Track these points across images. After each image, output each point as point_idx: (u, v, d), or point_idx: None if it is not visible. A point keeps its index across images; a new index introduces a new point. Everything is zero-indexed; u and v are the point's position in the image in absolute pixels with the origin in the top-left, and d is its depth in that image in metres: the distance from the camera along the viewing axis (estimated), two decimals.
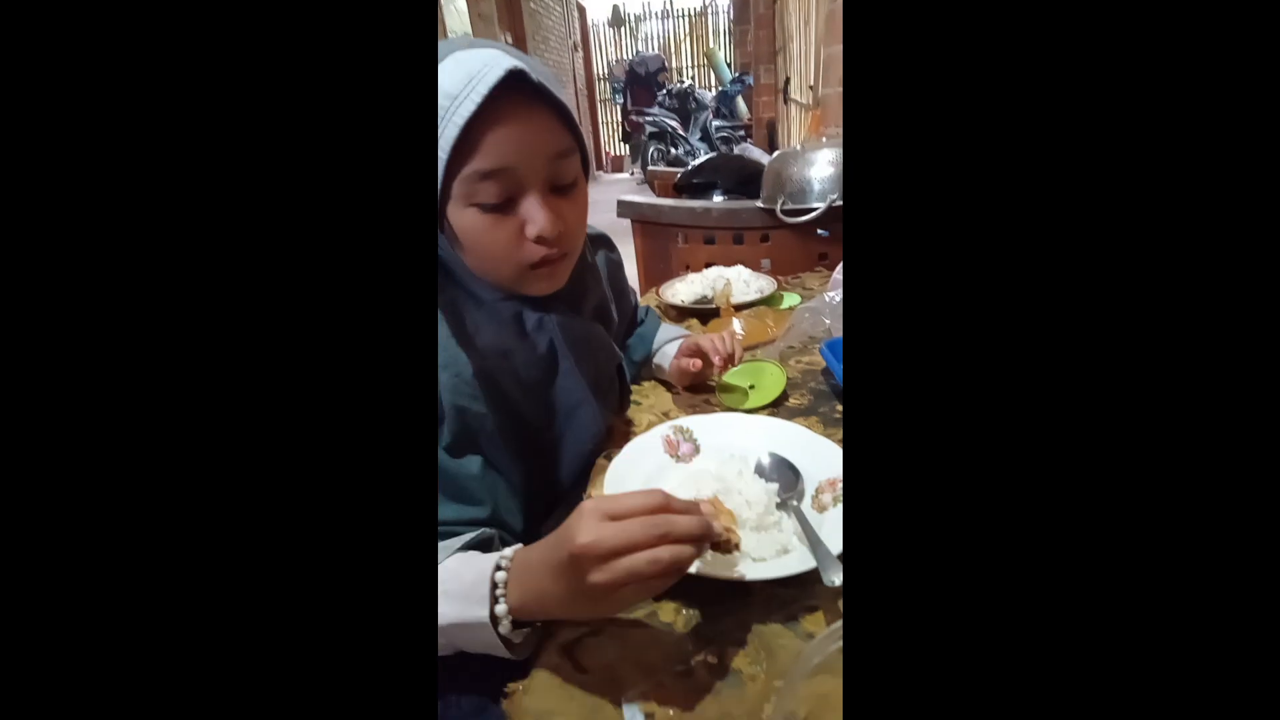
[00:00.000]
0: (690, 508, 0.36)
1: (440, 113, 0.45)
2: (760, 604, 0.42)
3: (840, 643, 0.27)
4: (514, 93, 0.46)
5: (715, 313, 0.96)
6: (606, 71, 8.05)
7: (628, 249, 1.03)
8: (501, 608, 0.37)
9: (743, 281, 1.03)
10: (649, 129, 5.89)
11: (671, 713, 0.35)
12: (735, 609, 0.42)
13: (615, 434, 0.66)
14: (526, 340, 0.56)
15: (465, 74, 0.45)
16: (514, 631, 0.38)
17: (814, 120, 2.48)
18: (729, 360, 0.70)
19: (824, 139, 1.29)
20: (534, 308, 0.56)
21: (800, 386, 0.74)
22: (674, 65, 7.92)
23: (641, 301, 0.86)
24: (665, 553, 0.33)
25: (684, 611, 0.42)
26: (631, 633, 0.41)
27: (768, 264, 1.20)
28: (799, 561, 0.42)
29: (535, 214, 0.49)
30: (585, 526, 0.34)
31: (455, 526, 0.46)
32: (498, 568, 0.39)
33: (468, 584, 0.39)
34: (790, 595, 0.42)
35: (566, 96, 0.50)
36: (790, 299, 1.03)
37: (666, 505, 0.35)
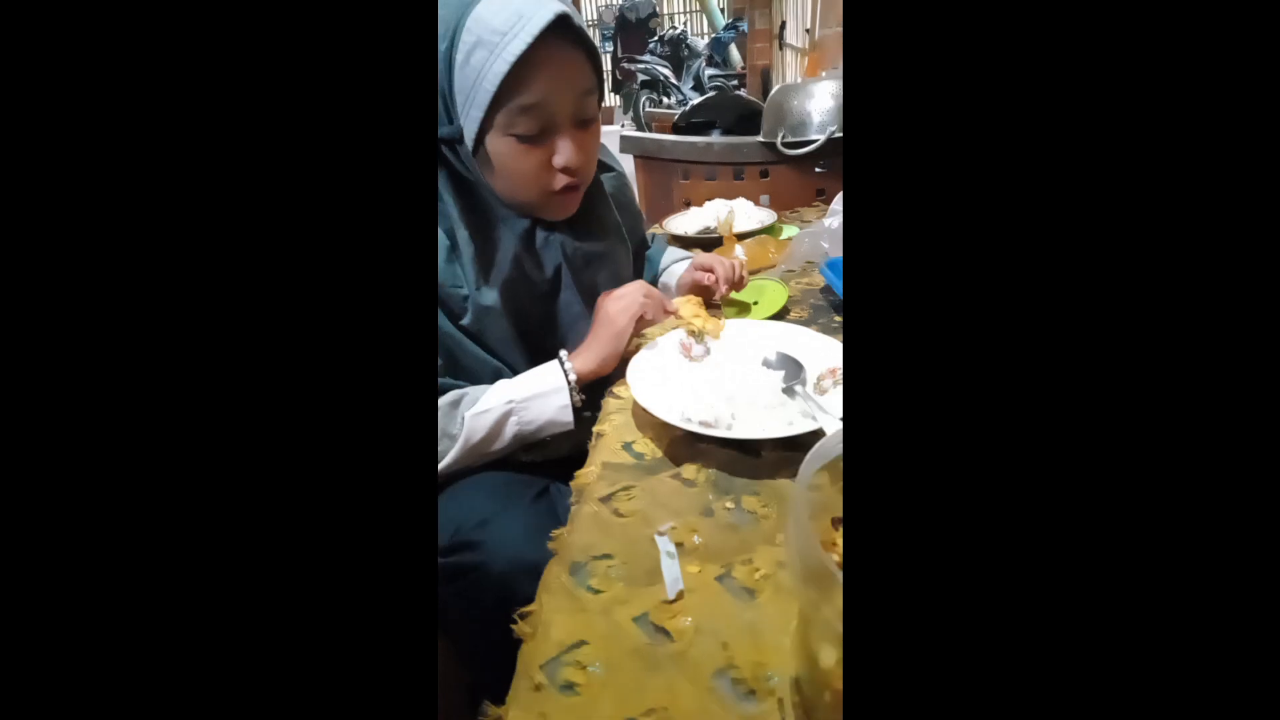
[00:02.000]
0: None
1: (487, 47, 0.50)
2: (770, 464, 0.48)
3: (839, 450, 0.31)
4: (556, 34, 0.51)
5: (718, 242, 1.00)
6: (596, 18, 7.80)
7: (631, 185, 1.06)
8: (573, 376, 0.57)
9: (744, 212, 1.06)
10: (641, 77, 5.77)
11: (697, 540, 0.41)
12: (748, 468, 0.47)
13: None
14: (535, 256, 0.62)
15: (514, 12, 0.50)
16: (576, 395, 0.57)
17: (810, 62, 2.47)
18: (735, 285, 0.75)
19: (823, 76, 1.31)
20: (545, 227, 0.62)
21: (800, 303, 0.79)
22: (665, 11, 7.68)
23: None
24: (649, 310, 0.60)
25: (704, 470, 0.48)
26: (659, 487, 0.46)
27: (767, 199, 1.24)
28: (803, 427, 0.48)
29: (564, 146, 0.56)
30: (608, 300, 0.61)
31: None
32: (563, 360, 0.59)
33: (542, 372, 0.58)
34: (796, 457, 0.48)
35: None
36: (789, 230, 1.07)
37: (648, 290, 0.62)
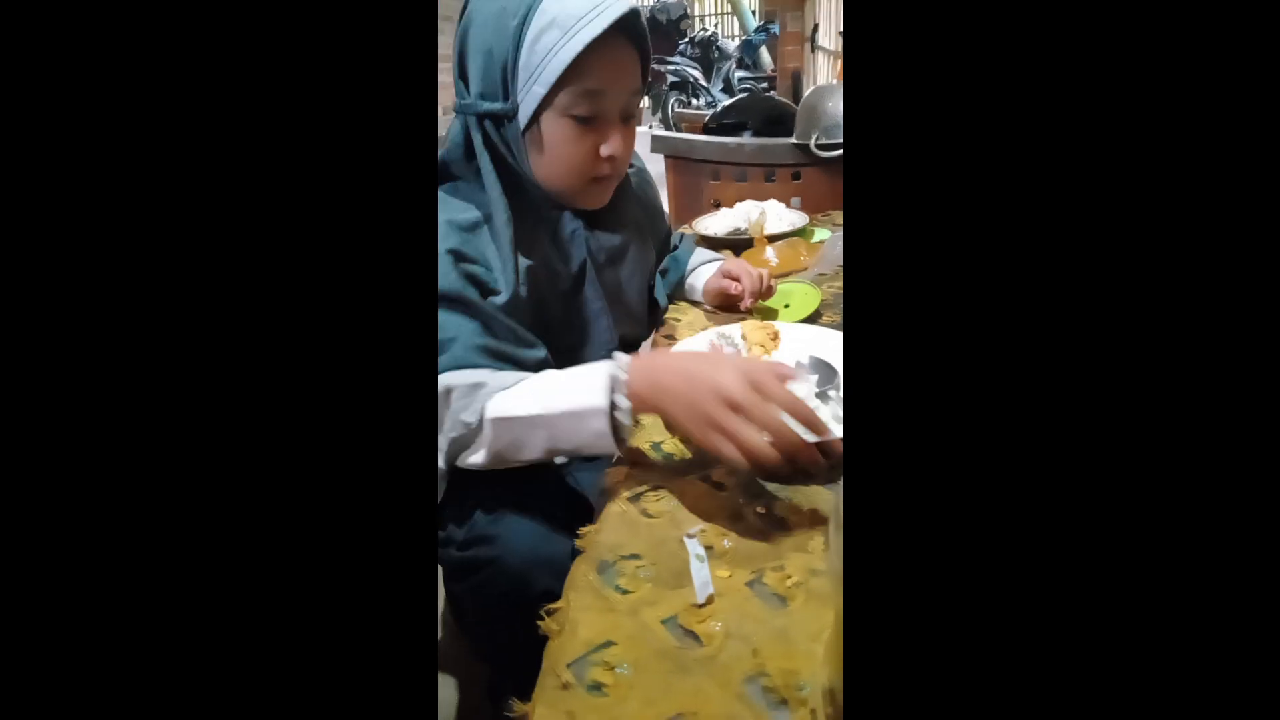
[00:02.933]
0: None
1: (561, 28, 0.52)
2: (802, 471, 0.47)
3: None
4: (621, 28, 0.53)
5: (749, 243, 0.99)
6: None
7: (660, 186, 1.06)
8: (623, 400, 0.44)
9: (775, 214, 1.05)
10: (670, 78, 5.76)
11: (727, 544, 0.40)
12: (779, 473, 0.47)
13: (655, 345, 0.71)
14: (562, 249, 0.63)
15: (590, 1, 0.53)
16: (625, 425, 0.44)
17: (842, 66, 2.44)
18: (762, 296, 0.74)
19: None
20: (572, 219, 0.63)
21: (833, 307, 0.78)
22: (696, 13, 7.67)
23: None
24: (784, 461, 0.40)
25: (734, 474, 0.47)
26: (689, 490, 0.46)
27: (798, 201, 1.22)
28: (836, 432, 0.47)
29: (613, 136, 0.58)
30: (736, 383, 0.40)
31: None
32: (614, 373, 0.45)
33: (584, 379, 0.46)
34: (829, 464, 0.47)
35: None
36: (821, 233, 1.05)
37: (803, 406, 0.41)
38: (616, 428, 0.44)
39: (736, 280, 0.74)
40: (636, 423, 0.46)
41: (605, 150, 0.58)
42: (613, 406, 0.44)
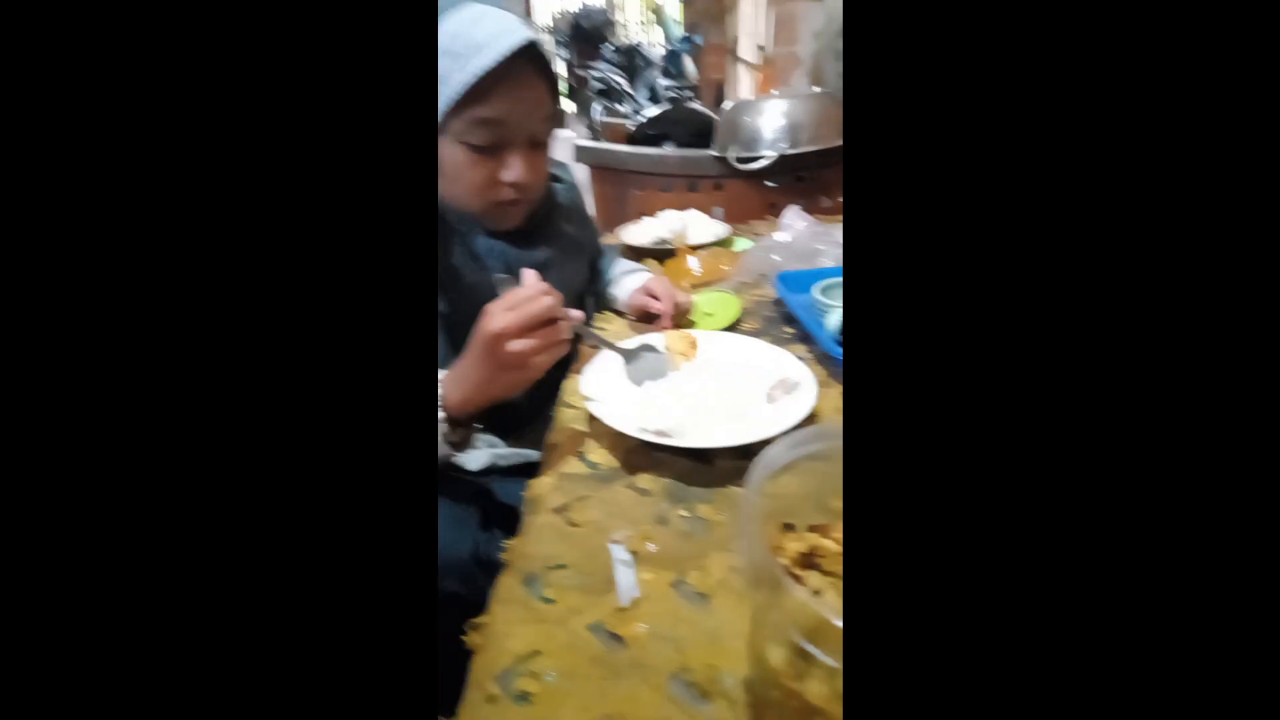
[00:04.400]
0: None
1: (451, 56, 0.52)
2: (724, 473, 0.49)
3: (812, 447, 0.33)
4: (524, 59, 0.54)
5: (672, 253, 1.02)
6: (551, 24, 7.78)
7: (585, 195, 1.07)
8: (440, 414, 0.49)
9: (698, 225, 1.09)
10: (595, 84, 5.78)
11: (651, 547, 0.42)
12: (702, 477, 0.49)
13: (580, 355, 0.72)
14: (479, 262, 0.62)
15: (487, 31, 0.53)
16: (452, 431, 0.50)
17: (763, 80, 2.54)
18: (678, 317, 0.76)
19: (774, 94, 1.35)
20: (488, 235, 0.63)
21: (753, 315, 0.81)
22: (620, 20, 7.74)
23: None
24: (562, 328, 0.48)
25: (659, 479, 0.48)
26: (616, 496, 0.47)
27: (721, 212, 1.26)
28: (753, 436, 0.49)
29: (515, 164, 0.58)
30: (495, 319, 0.46)
31: None
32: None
33: None
34: (749, 465, 0.49)
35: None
36: (742, 243, 1.10)
37: (548, 290, 0.48)
38: (447, 435, 0.50)
39: (658, 299, 0.76)
40: (462, 424, 0.51)
41: (507, 176, 0.58)
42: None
